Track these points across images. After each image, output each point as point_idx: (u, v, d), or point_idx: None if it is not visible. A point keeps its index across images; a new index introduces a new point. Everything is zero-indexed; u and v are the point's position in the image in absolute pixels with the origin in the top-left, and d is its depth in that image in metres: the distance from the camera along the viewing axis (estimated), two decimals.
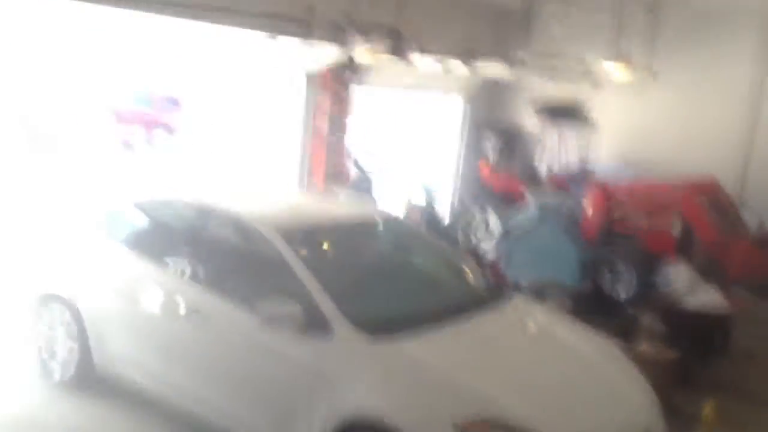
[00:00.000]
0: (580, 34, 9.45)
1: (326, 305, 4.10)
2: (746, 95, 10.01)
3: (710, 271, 7.60)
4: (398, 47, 5.00)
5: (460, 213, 11.00)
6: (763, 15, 9.68)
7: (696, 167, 9.29)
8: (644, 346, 6.25)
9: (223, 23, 6.85)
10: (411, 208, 8.83)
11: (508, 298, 5.03)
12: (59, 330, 5.39)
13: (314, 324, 4.06)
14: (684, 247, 8.24)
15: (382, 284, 4.81)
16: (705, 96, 10.30)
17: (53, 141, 13.11)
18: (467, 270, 5.39)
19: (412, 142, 12.51)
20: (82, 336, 5.24)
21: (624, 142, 10.87)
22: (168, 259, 5.03)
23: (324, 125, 9.20)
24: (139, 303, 5.01)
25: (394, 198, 10.09)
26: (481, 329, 4.43)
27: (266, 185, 11.99)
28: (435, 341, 4.11)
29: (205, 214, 5.17)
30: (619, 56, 8.95)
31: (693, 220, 8.30)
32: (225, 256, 5.09)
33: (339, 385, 3.93)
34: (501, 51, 10.37)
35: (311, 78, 9.02)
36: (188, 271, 4.83)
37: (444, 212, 11.94)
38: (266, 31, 7.03)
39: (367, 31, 5.03)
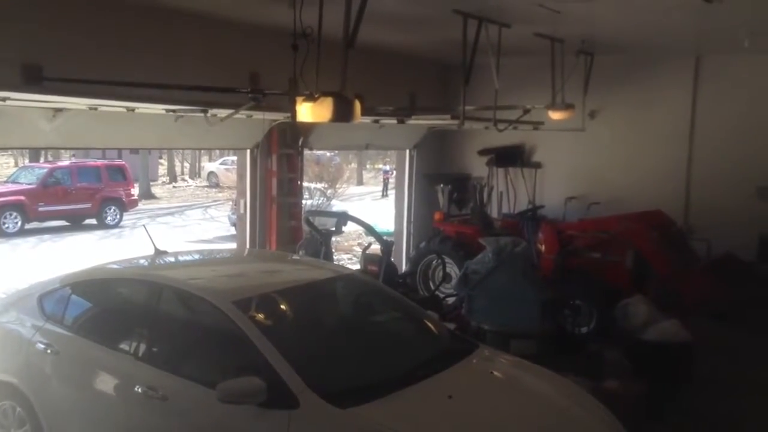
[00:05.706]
0: (518, 81, 9.71)
1: (290, 378, 3.98)
2: (682, 129, 10.33)
3: (668, 301, 7.73)
4: (343, 110, 5.02)
5: (417, 261, 10.99)
6: (695, 53, 10.05)
7: (640, 201, 9.52)
8: (610, 383, 6.27)
9: (170, 103, 6.81)
10: (368, 260, 8.73)
11: (472, 350, 5.00)
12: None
13: (279, 398, 3.92)
14: (640, 281, 8.36)
15: (346, 348, 4.71)
16: (643, 132, 10.61)
17: None
18: (429, 323, 5.35)
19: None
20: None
21: (570, 182, 11.10)
22: (118, 341, 4.86)
23: (273, 186, 9.17)
24: (92, 389, 4.83)
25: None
26: (447, 385, 4.37)
27: (219, 249, 11.99)
28: (403, 406, 4.02)
29: (152, 289, 4.94)
30: (556, 99, 9.21)
31: (646, 253, 8.42)
32: (179, 333, 4.93)
33: None
34: (445, 103, 10.58)
35: (257, 141, 9.01)
36: (141, 352, 4.67)
37: (400, 261, 11.94)
38: (213, 107, 6.99)
39: (311, 96, 5.03)
